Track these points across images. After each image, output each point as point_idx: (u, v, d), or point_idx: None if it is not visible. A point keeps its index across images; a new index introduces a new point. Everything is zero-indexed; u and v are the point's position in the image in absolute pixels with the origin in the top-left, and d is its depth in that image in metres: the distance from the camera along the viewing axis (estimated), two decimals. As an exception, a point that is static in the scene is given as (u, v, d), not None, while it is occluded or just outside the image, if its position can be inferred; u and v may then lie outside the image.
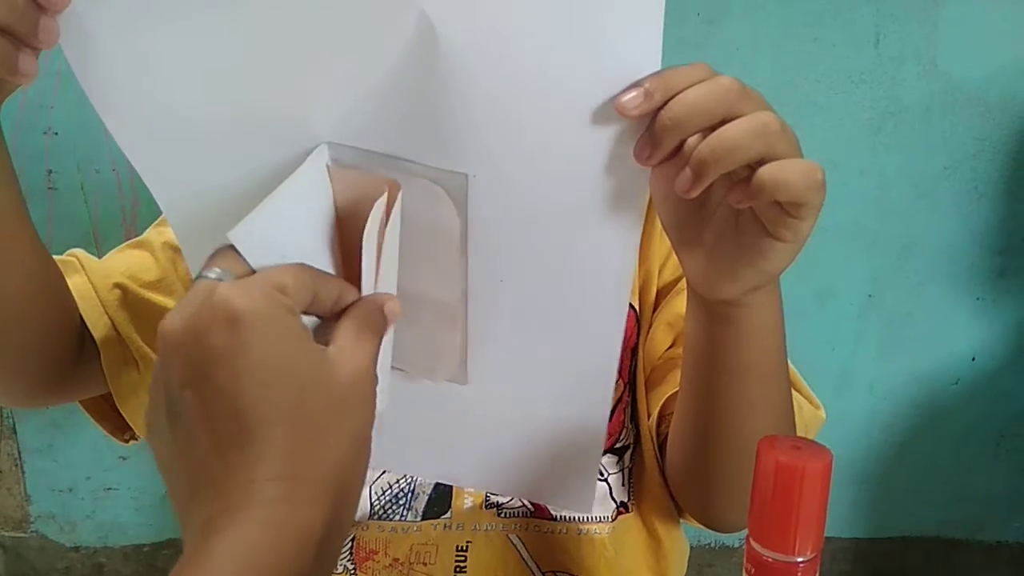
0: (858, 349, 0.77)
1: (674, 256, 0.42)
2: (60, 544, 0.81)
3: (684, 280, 0.40)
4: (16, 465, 0.80)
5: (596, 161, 0.31)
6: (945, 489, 0.82)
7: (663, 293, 0.50)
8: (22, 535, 0.82)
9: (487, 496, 0.45)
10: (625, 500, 0.47)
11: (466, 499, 0.45)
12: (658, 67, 0.29)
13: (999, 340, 0.76)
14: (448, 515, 0.45)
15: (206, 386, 0.24)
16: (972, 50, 0.71)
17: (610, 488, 0.49)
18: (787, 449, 0.33)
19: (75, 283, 0.42)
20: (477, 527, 0.45)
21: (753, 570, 0.34)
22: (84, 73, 0.33)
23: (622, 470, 0.48)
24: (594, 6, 0.29)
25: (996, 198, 0.73)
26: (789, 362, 0.40)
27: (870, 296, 0.75)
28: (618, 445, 0.48)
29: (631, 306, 0.47)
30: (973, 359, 0.76)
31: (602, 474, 0.48)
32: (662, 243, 0.50)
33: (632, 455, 0.48)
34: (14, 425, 0.80)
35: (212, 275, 0.26)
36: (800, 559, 0.33)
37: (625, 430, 0.48)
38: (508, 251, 0.34)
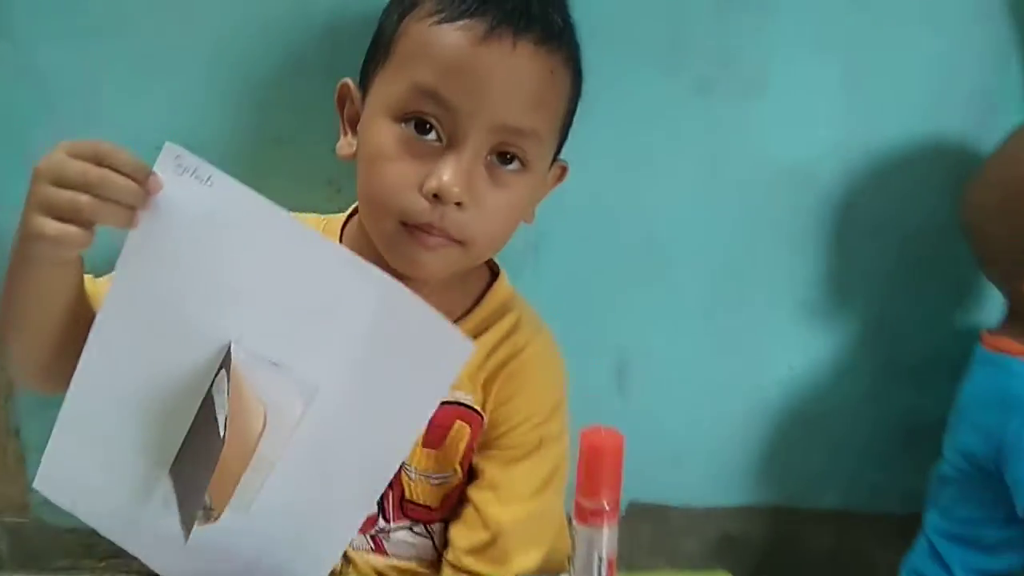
0: (705, 351, 0.92)
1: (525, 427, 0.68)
2: (57, 526, 0.90)
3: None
4: (20, 462, 0.91)
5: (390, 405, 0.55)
6: (772, 466, 0.97)
7: (498, 426, 0.68)
8: (23, 520, 0.93)
9: None
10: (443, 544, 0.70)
11: None
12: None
13: (812, 352, 0.93)
14: None
15: None
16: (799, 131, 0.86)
17: (433, 542, 0.72)
18: (596, 433, 0.52)
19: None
20: None
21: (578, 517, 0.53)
22: None
23: (445, 527, 0.70)
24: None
25: (812, 245, 0.90)
26: None
27: (708, 315, 0.91)
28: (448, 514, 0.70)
29: (477, 411, 0.68)
30: (791, 367, 0.93)
31: (432, 535, 0.71)
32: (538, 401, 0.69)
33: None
34: (18, 429, 0.90)
35: None
36: (606, 503, 0.52)
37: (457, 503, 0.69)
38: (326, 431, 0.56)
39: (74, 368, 0.58)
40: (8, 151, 0.83)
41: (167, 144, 0.51)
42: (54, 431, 0.59)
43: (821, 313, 0.92)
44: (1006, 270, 0.78)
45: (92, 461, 0.59)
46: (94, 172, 0.49)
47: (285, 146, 0.82)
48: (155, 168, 0.51)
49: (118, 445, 0.59)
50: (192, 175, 0.51)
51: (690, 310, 0.91)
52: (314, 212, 0.73)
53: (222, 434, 0.53)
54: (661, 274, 0.90)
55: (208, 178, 0.51)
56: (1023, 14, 0.84)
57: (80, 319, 0.57)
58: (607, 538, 0.52)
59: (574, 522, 0.53)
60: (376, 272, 0.54)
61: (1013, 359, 0.76)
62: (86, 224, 0.50)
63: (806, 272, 0.91)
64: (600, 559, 0.52)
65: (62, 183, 0.49)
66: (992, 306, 0.86)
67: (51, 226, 0.50)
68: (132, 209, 0.50)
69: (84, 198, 0.49)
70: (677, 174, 0.87)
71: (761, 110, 0.85)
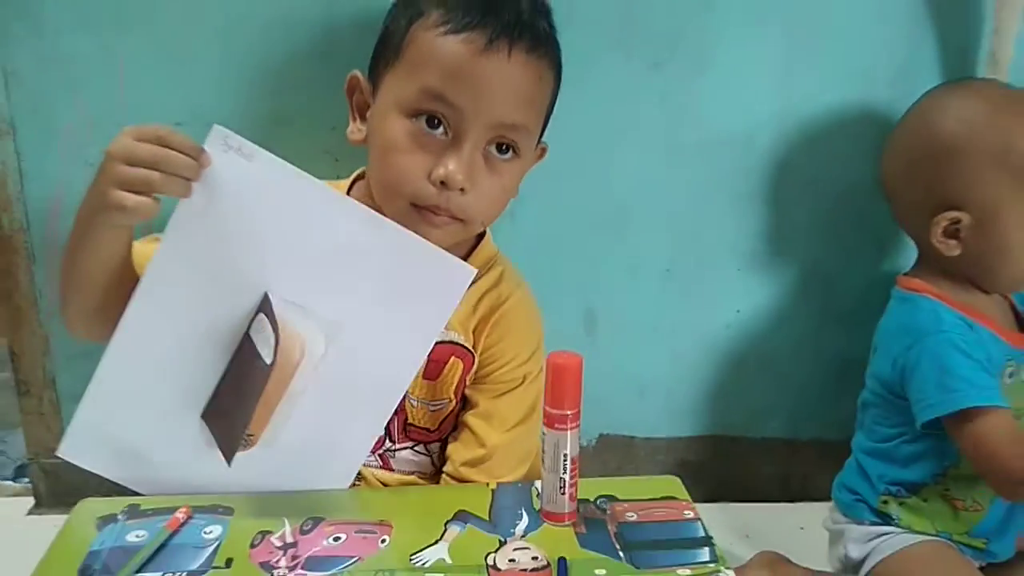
0: (664, 301, 1.05)
1: (510, 366, 0.79)
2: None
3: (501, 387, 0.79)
4: (55, 410, 1.02)
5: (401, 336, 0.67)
6: (723, 400, 1.09)
7: (487, 364, 0.79)
8: (59, 461, 1.04)
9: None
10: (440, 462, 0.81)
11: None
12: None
13: (756, 298, 1.05)
14: None
15: None
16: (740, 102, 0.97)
17: (432, 460, 0.83)
18: (560, 356, 0.64)
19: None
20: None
21: (546, 423, 0.64)
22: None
23: (442, 446, 0.81)
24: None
25: (755, 204, 1.01)
26: None
27: (667, 269, 1.03)
28: (445, 435, 0.81)
29: (469, 350, 0.79)
30: (738, 311, 1.05)
31: (431, 454, 0.82)
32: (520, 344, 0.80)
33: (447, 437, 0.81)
34: (54, 378, 1.01)
35: None
36: (569, 412, 0.64)
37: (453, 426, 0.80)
38: (347, 363, 0.67)
39: (115, 317, 0.69)
40: (39, 131, 0.93)
41: (215, 126, 0.62)
42: (88, 391, 0.67)
43: (763, 264, 1.04)
44: (915, 223, 0.89)
45: (127, 413, 0.68)
46: (160, 152, 0.60)
47: (289, 124, 0.92)
48: (205, 146, 0.62)
49: (159, 389, 0.68)
50: (236, 151, 0.62)
51: (649, 263, 1.03)
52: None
53: (268, 365, 0.64)
54: (623, 232, 1.02)
55: (250, 154, 0.62)
56: (939, -2, 0.95)
57: (126, 275, 0.69)
58: (570, 440, 0.64)
59: (543, 428, 0.64)
60: (387, 222, 0.66)
61: (919, 295, 0.87)
62: (153, 195, 0.61)
63: (749, 228, 1.02)
64: (565, 456, 0.64)
65: (133, 162, 0.60)
66: (910, 254, 0.98)
67: (130, 199, 0.61)
68: (188, 181, 0.61)
69: (155, 174, 0.60)
70: (636, 144, 0.98)
71: (708, 85, 0.96)
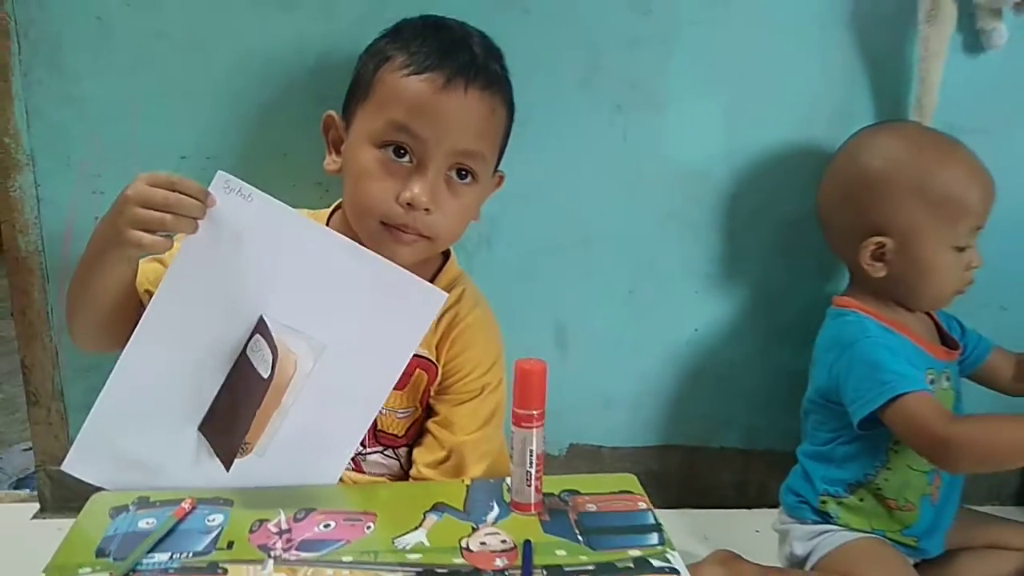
0: (628, 320, 1.12)
1: (470, 377, 0.87)
2: None
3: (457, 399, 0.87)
4: (62, 419, 1.08)
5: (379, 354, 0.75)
6: (684, 412, 1.16)
7: (449, 376, 0.87)
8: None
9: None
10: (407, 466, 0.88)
11: None
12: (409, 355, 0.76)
13: (712, 318, 1.14)
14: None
15: None
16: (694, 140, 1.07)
17: (400, 463, 0.90)
18: (527, 362, 0.72)
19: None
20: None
21: (514, 422, 0.72)
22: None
23: (409, 451, 0.88)
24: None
25: (709, 232, 1.10)
26: None
27: (630, 291, 1.11)
28: (412, 441, 0.89)
29: (433, 362, 0.87)
30: (696, 329, 1.14)
31: (399, 458, 0.89)
32: (479, 358, 0.87)
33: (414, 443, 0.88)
34: (62, 390, 1.08)
35: None
36: (534, 412, 0.72)
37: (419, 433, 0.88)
38: (332, 377, 0.74)
39: (117, 331, 0.77)
40: (56, 163, 1.02)
41: (219, 172, 0.71)
42: (94, 409, 0.74)
43: (717, 286, 1.13)
44: (845, 248, 0.98)
45: (131, 428, 0.75)
46: (173, 197, 0.69)
47: (284, 158, 1.00)
48: (209, 189, 0.71)
49: (162, 404, 0.75)
50: (236, 193, 0.71)
51: (614, 285, 1.12)
52: (307, 208, 0.90)
53: (266, 380, 0.72)
54: (589, 257, 1.10)
55: (249, 195, 0.71)
56: (872, 49, 1.06)
57: (130, 296, 0.78)
58: (536, 437, 0.72)
59: (512, 427, 0.73)
60: (366, 252, 0.75)
61: (849, 311, 0.96)
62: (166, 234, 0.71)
63: (704, 253, 1.11)
64: (532, 452, 0.72)
65: (149, 205, 0.69)
66: (847, 276, 1.07)
67: (147, 238, 0.70)
68: (196, 220, 0.70)
69: (168, 216, 0.69)
70: (601, 177, 1.07)
71: (665, 125, 1.06)
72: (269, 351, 0.73)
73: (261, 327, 0.74)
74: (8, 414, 1.64)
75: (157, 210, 0.69)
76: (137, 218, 0.69)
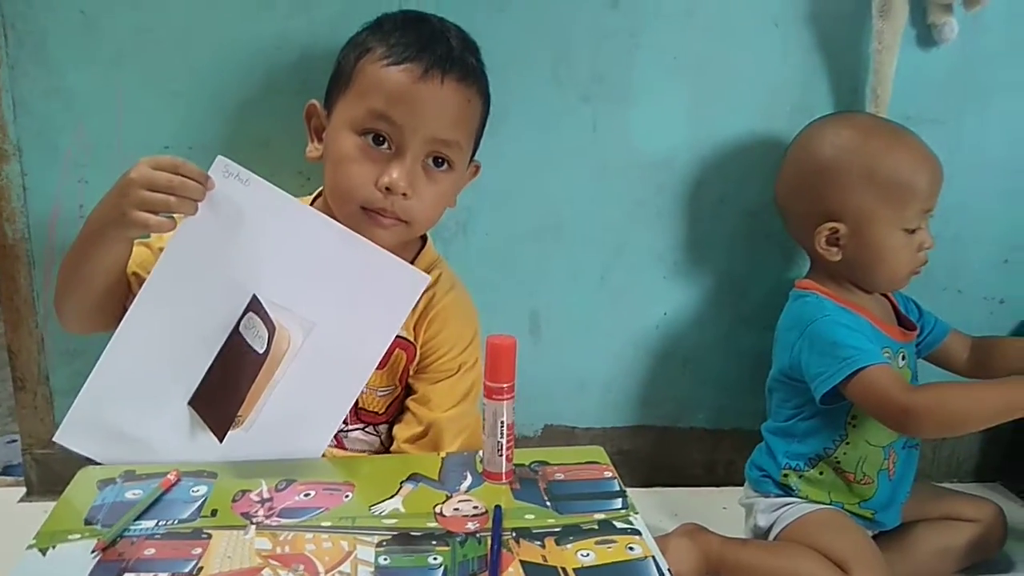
0: (600, 305, 1.16)
1: (447, 356, 0.91)
2: (78, 457, 1.10)
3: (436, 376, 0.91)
4: (48, 404, 1.10)
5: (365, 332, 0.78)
6: (654, 393, 1.20)
7: (427, 356, 0.90)
8: (50, 451, 1.12)
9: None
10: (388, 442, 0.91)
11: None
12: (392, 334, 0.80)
13: (680, 302, 1.18)
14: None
15: None
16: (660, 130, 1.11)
17: (381, 440, 0.93)
18: (497, 338, 0.76)
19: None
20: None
21: (486, 395, 0.76)
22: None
23: (389, 428, 0.91)
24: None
25: (676, 220, 1.15)
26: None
27: (601, 277, 1.15)
28: (392, 418, 0.92)
29: (411, 342, 0.90)
30: (665, 314, 1.18)
31: (379, 435, 0.93)
32: (456, 338, 0.90)
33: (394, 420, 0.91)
34: (48, 375, 1.10)
35: None
36: (504, 385, 0.76)
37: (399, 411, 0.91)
38: (320, 354, 0.78)
39: (107, 313, 0.80)
40: (42, 153, 1.04)
41: (219, 157, 0.75)
42: (88, 382, 0.76)
43: (685, 272, 1.17)
44: (802, 233, 1.02)
45: (124, 401, 0.78)
46: (176, 179, 0.73)
47: (267, 147, 1.03)
48: (209, 172, 0.74)
49: (154, 379, 0.78)
50: (235, 178, 0.75)
51: (585, 271, 1.16)
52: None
53: (261, 355, 0.75)
54: (561, 244, 1.14)
55: (247, 180, 0.75)
56: (829, 43, 1.10)
57: (121, 280, 0.82)
58: (506, 409, 0.76)
59: (483, 399, 0.77)
60: (355, 235, 0.79)
61: (809, 293, 1.00)
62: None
63: (671, 240, 1.15)
64: (502, 423, 0.76)
65: (153, 187, 0.73)
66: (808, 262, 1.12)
67: (152, 218, 0.73)
68: (196, 202, 0.73)
69: (171, 198, 0.72)
70: (571, 167, 1.11)
71: (632, 116, 1.10)
72: (264, 328, 0.77)
73: (255, 305, 0.77)
74: (-9, 407, 1.65)
75: (161, 192, 0.72)
76: (142, 199, 0.73)
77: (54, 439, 0.79)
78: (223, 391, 0.78)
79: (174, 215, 0.75)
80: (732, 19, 1.08)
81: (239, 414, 0.79)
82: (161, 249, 0.83)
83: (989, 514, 1.05)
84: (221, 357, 0.78)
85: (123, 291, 0.83)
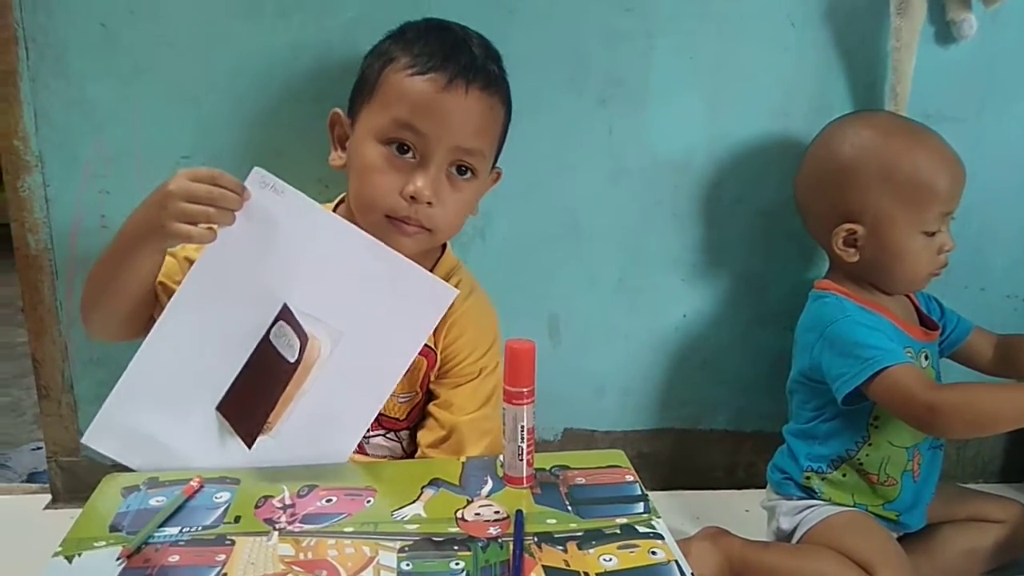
0: (618, 308, 1.16)
1: (467, 361, 0.91)
2: (103, 464, 1.11)
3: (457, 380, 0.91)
4: (73, 412, 1.11)
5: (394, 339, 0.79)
6: (674, 396, 1.20)
7: (448, 361, 0.90)
8: (75, 459, 1.13)
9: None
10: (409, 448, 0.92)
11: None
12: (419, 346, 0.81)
13: (699, 304, 1.17)
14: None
15: None
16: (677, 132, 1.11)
17: (402, 446, 0.94)
18: (516, 342, 0.76)
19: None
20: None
21: (505, 399, 0.76)
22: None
23: (411, 434, 0.92)
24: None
25: (693, 221, 1.14)
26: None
27: (619, 280, 1.15)
28: (413, 424, 0.92)
29: (432, 348, 0.90)
30: (684, 316, 1.18)
31: (401, 440, 0.93)
32: (476, 342, 0.90)
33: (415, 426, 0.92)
34: (72, 384, 1.11)
35: None
36: (524, 389, 0.76)
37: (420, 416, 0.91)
38: (348, 363, 0.78)
39: (137, 325, 0.81)
40: (63, 164, 1.06)
41: (256, 168, 0.76)
42: (118, 386, 0.77)
43: (703, 273, 1.17)
44: (821, 234, 1.01)
45: (153, 405, 0.78)
46: (216, 191, 0.73)
47: (285, 156, 1.04)
48: (245, 183, 0.75)
49: (183, 384, 0.79)
50: (270, 188, 0.76)
51: (603, 274, 1.15)
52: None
53: (292, 364, 0.76)
54: (579, 248, 1.14)
55: (282, 191, 0.76)
56: (846, 42, 1.10)
57: (152, 288, 0.83)
58: (526, 414, 0.76)
59: (503, 404, 0.76)
60: (385, 247, 0.79)
61: (828, 293, 1.00)
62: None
63: (689, 242, 1.15)
64: (522, 428, 0.76)
65: (193, 199, 0.73)
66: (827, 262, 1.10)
67: (194, 230, 0.74)
68: (234, 212, 0.74)
69: (211, 209, 0.73)
70: (588, 170, 1.11)
71: (648, 118, 1.09)
72: (295, 336, 0.78)
73: (285, 314, 0.78)
74: (16, 416, 1.68)
75: (201, 204, 0.73)
76: (182, 211, 0.74)
77: (82, 440, 0.79)
78: (252, 398, 0.79)
79: (213, 226, 0.76)
80: (748, 19, 1.08)
81: (269, 421, 0.79)
82: (187, 259, 0.84)
83: (1016, 515, 1.04)
84: (251, 365, 0.79)
85: (152, 300, 0.83)
